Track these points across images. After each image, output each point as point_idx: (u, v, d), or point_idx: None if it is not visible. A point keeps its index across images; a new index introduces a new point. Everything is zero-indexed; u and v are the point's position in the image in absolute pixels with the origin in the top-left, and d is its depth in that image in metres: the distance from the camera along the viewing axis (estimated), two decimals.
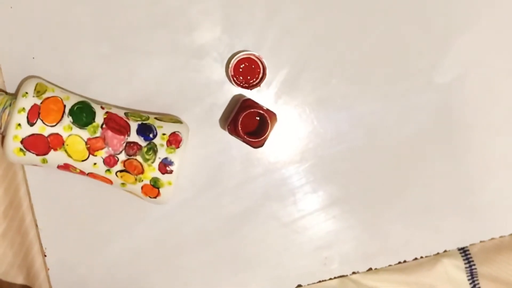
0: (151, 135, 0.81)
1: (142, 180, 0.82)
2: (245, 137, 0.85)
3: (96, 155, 0.80)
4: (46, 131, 0.78)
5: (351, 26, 0.91)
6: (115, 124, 0.81)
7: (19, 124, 0.77)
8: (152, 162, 0.82)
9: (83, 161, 0.80)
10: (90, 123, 0.79)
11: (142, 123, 0.82)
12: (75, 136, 0.79)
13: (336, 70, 0.92)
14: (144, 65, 0.88)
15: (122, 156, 0.81)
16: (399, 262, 0.96)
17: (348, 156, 0.93)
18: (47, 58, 0.86)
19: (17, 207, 0.87)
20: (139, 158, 0.81)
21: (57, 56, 0.86)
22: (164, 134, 0.82)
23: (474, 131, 0.95)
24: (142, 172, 0.82)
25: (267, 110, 0.85)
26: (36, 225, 0.88)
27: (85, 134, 0.79)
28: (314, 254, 0.94)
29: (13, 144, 0.78)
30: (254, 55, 0.87)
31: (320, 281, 0.94)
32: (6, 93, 0.85)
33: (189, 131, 0.85)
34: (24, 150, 0.79)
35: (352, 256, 0.95)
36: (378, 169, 0.94)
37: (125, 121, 0.82)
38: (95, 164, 0.81)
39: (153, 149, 0.81)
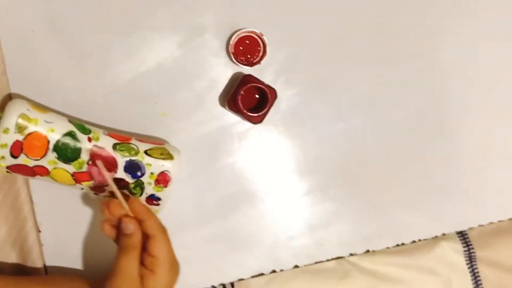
0: (139, 173, 0.80)
1: None
2: (245, 111, 0.84)
3: (82, 184, 0.80)
4: (31, 163, 0.77)
5: (351, 6, 0.91)
6: (102, 160, 0.78)
7: (3, 157, 0.76)
8: (139, 196, 0.81)
9: (70, 185, 0.80)
10: (76, 159, 0.77)
11: (130, 160, 0.79)
12: (61, 169, 0.78)
13: (336, 50, 0.92)
14: (145, 41, 0.88)
15: (109, 187, 0.80)
16: (397, 245, 0.96)
17: (347, 136, 0.93)
18: (47, 31, 0.85)
19: (12, 182, 0.86)
20: (125, 191, 0.81)
21: (56, 30, 0.86)
22: (152, 173, 0.80)
23: (474, 114, 0.96)
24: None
25: (267, 86, 0.85)
26: (31, 200, 0.87)
27: (70, 168, 0.78)
28: (312, 235, 0.94)
29: None
30: (255, 32, 0.87)
31: (317, 262, 0.94)
32: None
33: (180, 158, 0.83)
34: (11, 172, 0.78)
35: (350, 238, 0.94)
36: (377, 150, 0.94)
37: (113, 157, 0.79)
38: (82, 188, 0.81)
39: (140, 186, 0.80)
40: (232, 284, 0.92)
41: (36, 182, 0.86)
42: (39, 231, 0.88)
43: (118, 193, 0.77)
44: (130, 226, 0.74)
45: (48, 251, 0.88)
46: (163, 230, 0.74)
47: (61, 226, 0.88)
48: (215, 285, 0.92)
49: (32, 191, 0.87)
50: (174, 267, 0.75)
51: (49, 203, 0.88)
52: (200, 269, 0.92)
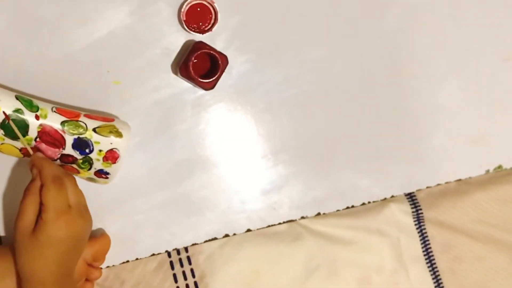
0: (87, 150, 0.80)
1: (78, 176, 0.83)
2: (197, 78, 0.85)
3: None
4: None
5: None
6: (50, 137, 0.78)
7: None
8: (88, 170, 0.82)
9: (19, 157, 0.80)
10: (23, 136, 0.77)
11: (78, 137, 0.79)
12: (8, 145, 0.78)
13: (286, 17, 0.92)
14: (97, 9, 0.88)
15: (58, 162, 0.80)
16: (347, 207, 0.97)
17: (297, 102, 0.94)
18: None
19: None
20: (74, 165, 0.81)
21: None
22: (101, 151, 0.80)
23: (421, 78, 0.97)
24: (78, 173, 0.82)
25: (219, 53, 0.86)
26: None
27: (18, 144, 0.78)
28: (264, 199, 0.95)
29: None
30: (206, 0, 0.88)
31: (269, 226, 0.96)
32: None
33: (129, 134, 0.83)
34: None
35: (301, 201, 0.96)
36: (326, 115, 0.95)
37: (61, 134, 0.78)
38: None
39: (88, 161, 0.80)
40: (186, 249, 0.93)
41: None
42: None
43: (28, 147, 0.78)
44: (33, 172, 0.77)
45: (3, 221, 0.89)
46: (55, 180, 0.74)
47: (16, 195, 0.87)
48: (169, 250, 0.93)
49: None
50: (63, 217, 0.74)
51: (1, 171, 0.88)
52: (154, 234, 0.92)
